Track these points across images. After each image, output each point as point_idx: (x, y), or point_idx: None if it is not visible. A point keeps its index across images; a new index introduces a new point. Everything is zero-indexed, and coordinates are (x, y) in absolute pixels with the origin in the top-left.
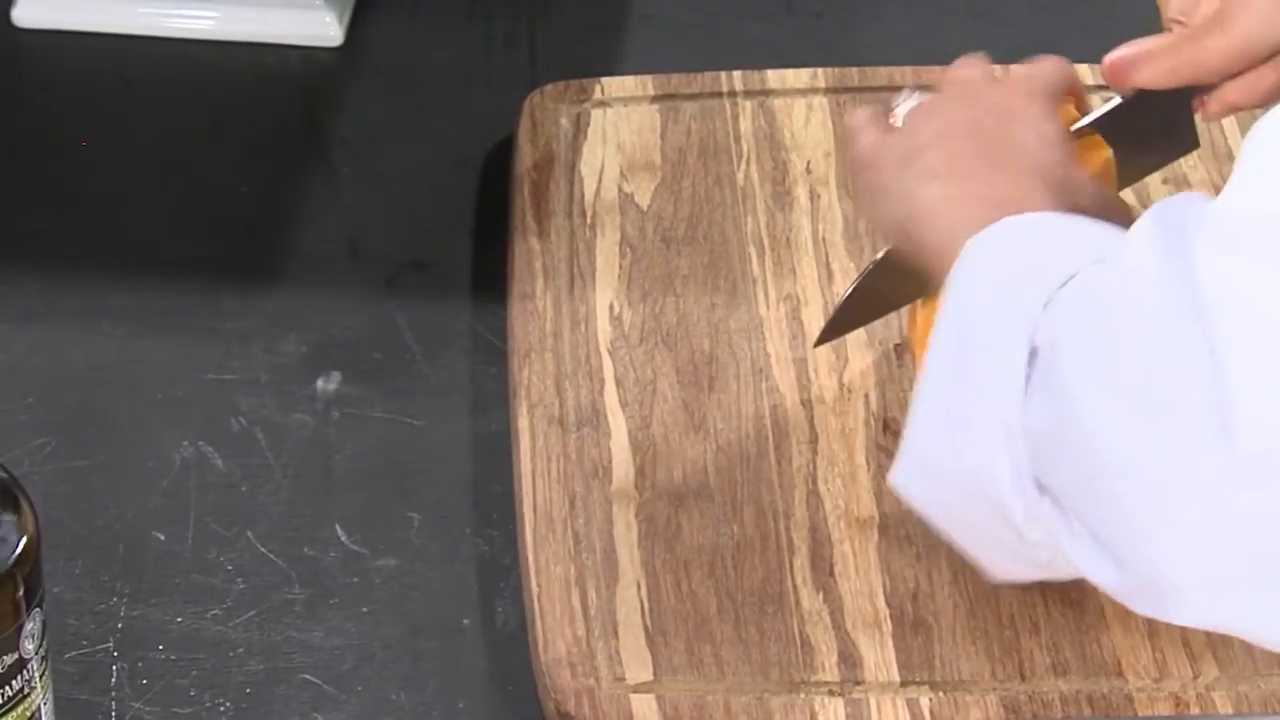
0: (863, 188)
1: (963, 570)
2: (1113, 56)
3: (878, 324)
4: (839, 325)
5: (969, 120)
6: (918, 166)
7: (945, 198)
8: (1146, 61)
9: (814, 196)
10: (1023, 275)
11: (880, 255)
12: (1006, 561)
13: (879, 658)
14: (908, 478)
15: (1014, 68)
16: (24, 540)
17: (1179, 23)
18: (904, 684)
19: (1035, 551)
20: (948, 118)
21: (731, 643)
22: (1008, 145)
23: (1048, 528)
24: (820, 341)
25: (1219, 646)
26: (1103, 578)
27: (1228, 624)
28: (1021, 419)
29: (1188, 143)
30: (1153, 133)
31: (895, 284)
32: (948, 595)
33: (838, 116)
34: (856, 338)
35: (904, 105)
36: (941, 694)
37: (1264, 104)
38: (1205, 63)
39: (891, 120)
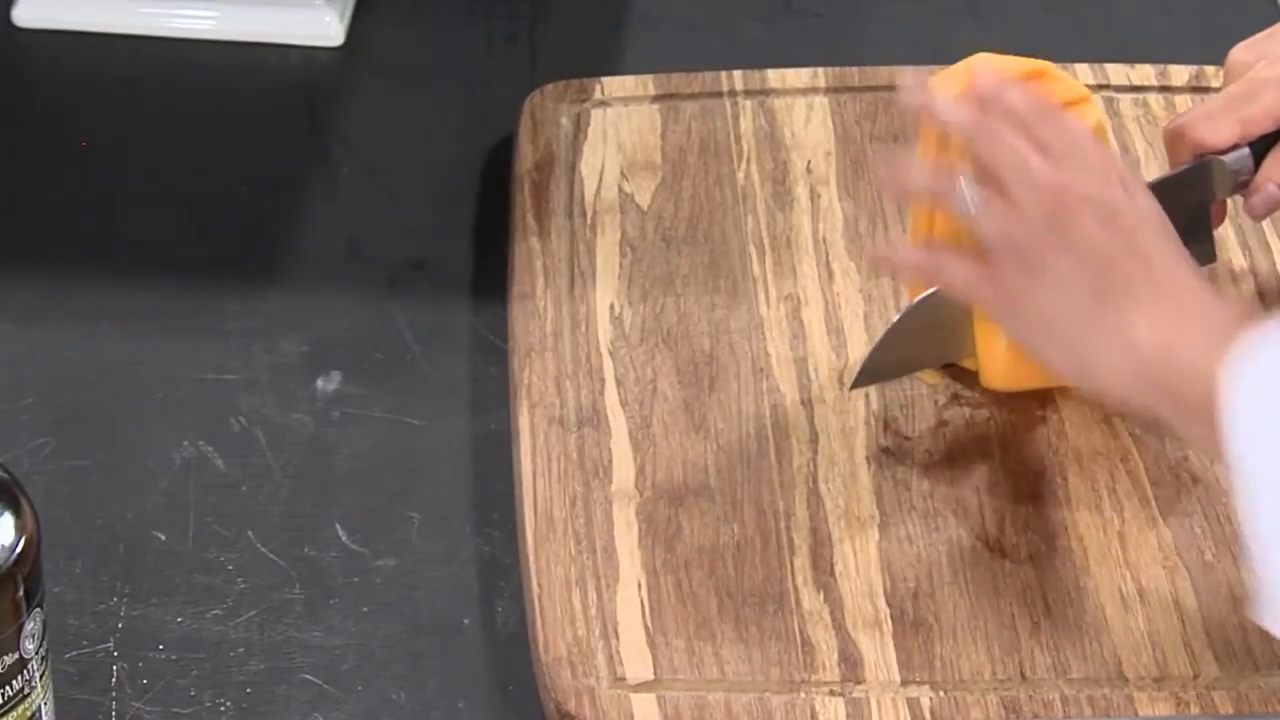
0: (1013, 323)
1: (963, 570)
2: (1173, 123)
3: (878, 324)
4: (876, 370)
5: (1085, 217)
6: (1082, 294)
7: (1154, 327)
8: (1203, 119)
9: (814, 196)
10: None
11: (920, 299)
12: None
13: (879, 657)
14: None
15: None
16: (24, 540)
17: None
18: (904, 684)
19: None
20: (1054, 220)
21: (732, 642)
22: (1139, 234)
23: None
24: (856, 385)
25: (1219, 646)
26: None
27: None
28: None
29: (1205, 255)
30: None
31: (935, 328)
32: (948, 595)
33: (838, 116)
34: (857, 338)
35: (967, 194)
36: (942, 694)
37: None
38: (1258, 116)
39: (965, 202)
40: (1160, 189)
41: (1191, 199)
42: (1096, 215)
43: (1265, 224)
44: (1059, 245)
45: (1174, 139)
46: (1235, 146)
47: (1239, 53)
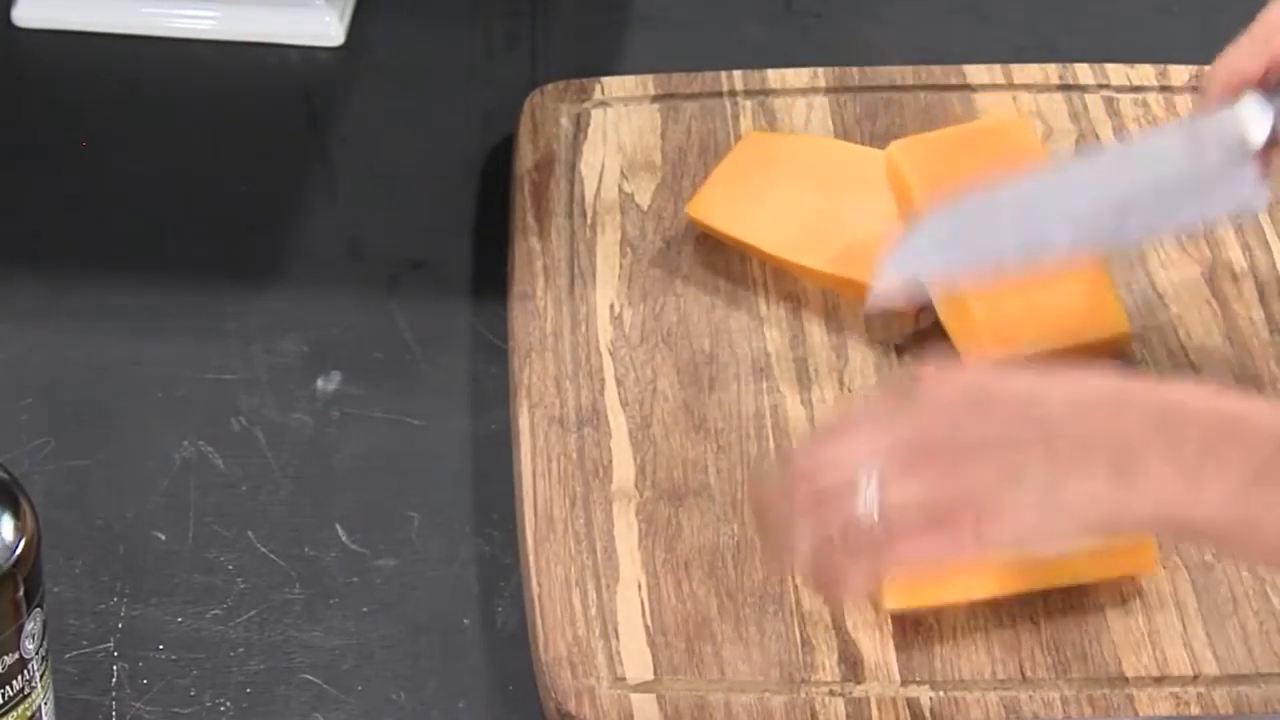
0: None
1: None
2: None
3: (877, 324)
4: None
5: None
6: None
7: (1183, 494)
8: (1232, 52)
9: None
10: None
11: None
12: None
13: (879, 657)
14: None
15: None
16: (24, 540)
17: None
18: (904, 684)
19: None
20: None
21: (732, 642)
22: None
23: None
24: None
25: (1219, 646)
26: None
27: None
28: None
29: (1254, 199)
30: None
31: None
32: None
33: (838, 116)
34: (857, 337)
35: (868, 490)
36: (942, 694)
37: None
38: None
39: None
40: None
41: (1226, 141)
42: (977, 403)
43: (1266, 224)
44: (978, 448)
45: (1207, 84)
46: (1266, 82)
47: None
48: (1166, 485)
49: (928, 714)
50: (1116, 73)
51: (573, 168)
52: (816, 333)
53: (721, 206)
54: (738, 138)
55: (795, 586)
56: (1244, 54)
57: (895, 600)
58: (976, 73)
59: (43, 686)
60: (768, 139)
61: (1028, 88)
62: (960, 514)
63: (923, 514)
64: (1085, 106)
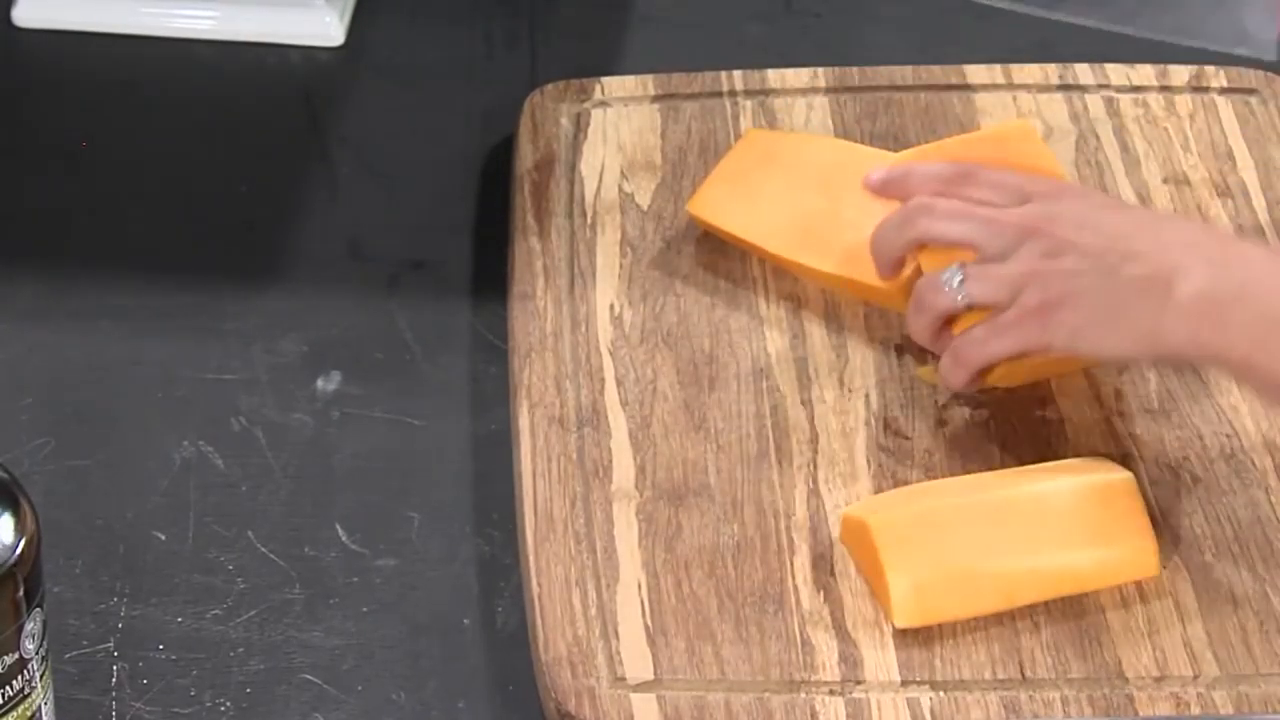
0: (1061, 333)
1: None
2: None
3: (878, 324)
4: None
5: (1079, 216)
6: (1106, 270)
7: (1213, 275)
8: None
9: None
10: None
11: None
12: None
13: (879, 657)
14: None
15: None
16: (24, 540)
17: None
18: (904, 684)
19: None
20: (1032, 236)
21: (732, 642)
22: (1117, 207)
23: None
24: None
25: (1219, 646)
26: None
27: None
28: None
29: None
30: None
31: None
32: None
33: (838, 116)
34: (857, 337)
35: (952, 275)
36: (942, 694)
37: None
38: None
39: (957, 290)
40: None
41: None
42: (1068, 210)
43: (1265, 223)
44: (1057, 248)
45: (882, 187)
46: None
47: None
48: (1197, 327)
49: (928, 714)
50: (1116, 73)
51: (573, 168)
52: (816, 333)
53: (722, 204)
54: (738, 137)
55: (795, 586)
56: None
57: (905, 619)
58: (976, 73)
59: (43, 686)
60: (768, 136)
61: (1028, 88)
62: (1040, 306)
63: (1004, 296)
64: (1085, 106)
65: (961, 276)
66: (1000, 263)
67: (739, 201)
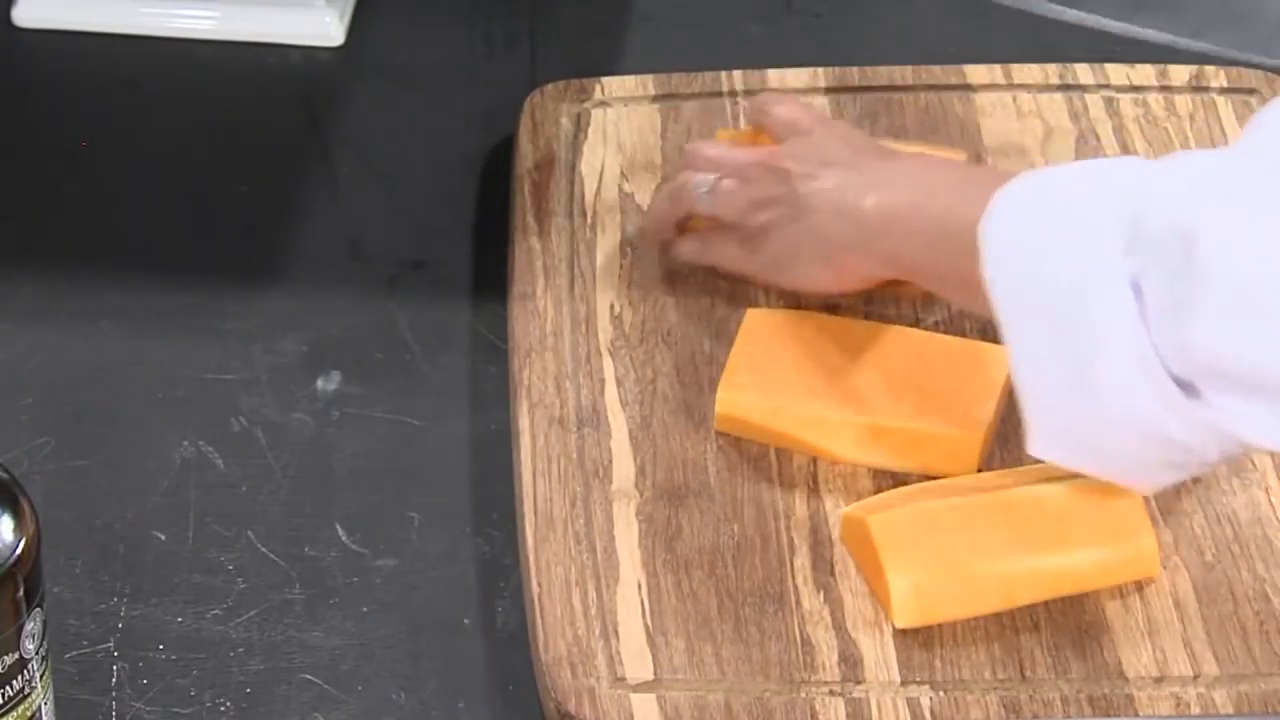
0: (765, 263)
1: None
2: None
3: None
4: None
5: (821, 147)
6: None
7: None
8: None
9: None
10: (1076, 221)
11: None
12: (1157, 475)
13: (879, 657)
14: (1048, 446)
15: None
16: (24, 540)
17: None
18: (904, 683)
19: (1196, 452)
20: (802, 158)
21: (732, 642)
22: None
23: (1211, 423)
24: None
25: (1219, 646)
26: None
27: None
28: (1151, 339)
29: None
30: None
31: None
32: None
33: (838, 116)
34: None
35: (703, 181)
36: (942, 694)
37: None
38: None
39: (695, 197)
40: None
41: None
42: (803, 155)
43: None
44: (777, 186)
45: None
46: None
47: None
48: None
49: (928, 714)
50: (1116, 73)
51: (573, 168)
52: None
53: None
54: None
55: (795, 586)
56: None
57: (905, 618)
58: (976, 73)
59: (43, 686)
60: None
61: (1028, 88)
62: (741, 236)
63: (724, 215)
64: (1085, 106)
65: (709, 189)
66: (740, 190)
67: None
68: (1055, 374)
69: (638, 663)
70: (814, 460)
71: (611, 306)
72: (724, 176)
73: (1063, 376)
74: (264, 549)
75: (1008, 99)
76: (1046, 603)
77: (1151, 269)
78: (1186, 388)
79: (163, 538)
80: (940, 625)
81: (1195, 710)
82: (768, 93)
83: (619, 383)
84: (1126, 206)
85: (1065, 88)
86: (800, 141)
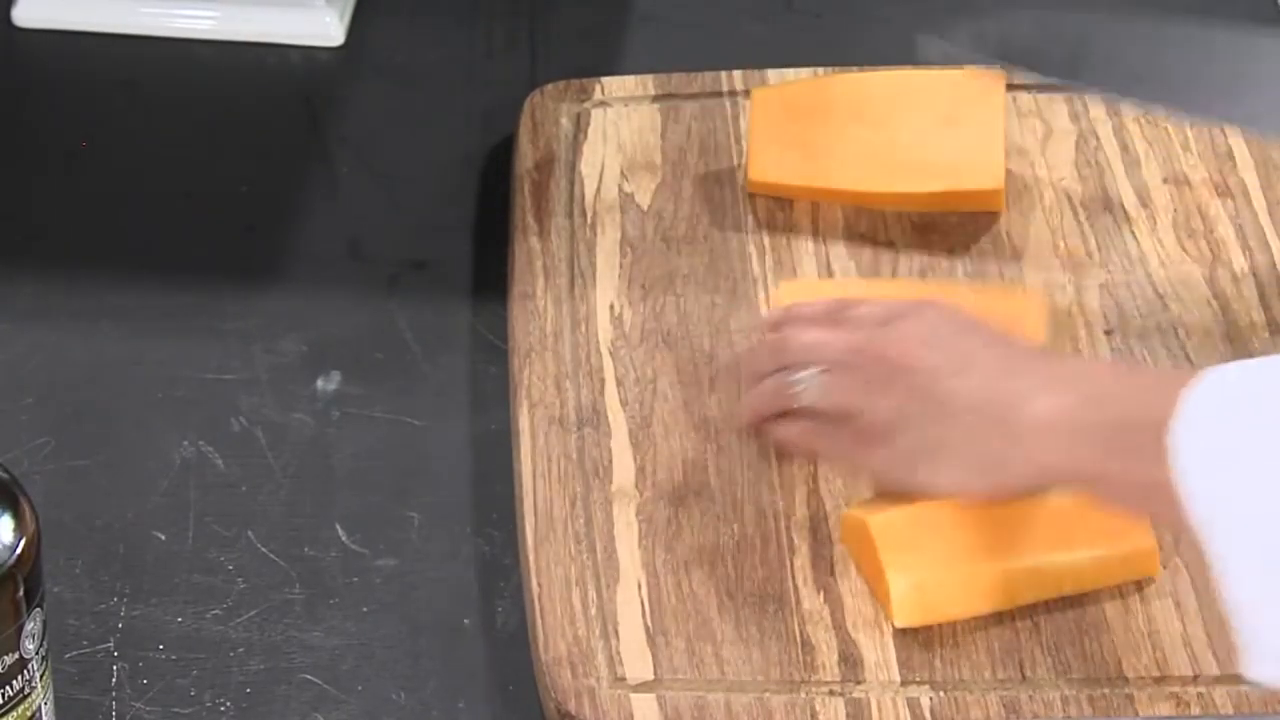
0: (882, 462)
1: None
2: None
3: None
4: None
5: (932, 341)
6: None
7: (1058, 404)
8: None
9: None
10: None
11: None
12: None
13: (879, 657)
14: (1270, 670)
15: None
16: (24, 540)
17: None
18: (904, 683)
19: None
20: (887, 364)
21: (732, 642)
22: (983, 339)
23: None
24: None
25: (1219, 646)
26: None
27: None
28: None
29: None
30: None
31: None
32: None
33: None
34: None
35: (807, 376)
36: (942, 694)
37: None
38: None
39: (798, 394)
40: None
41: None
42: (927, 338)
43: (1266, 224)
44: (907, 386)
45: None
46: None
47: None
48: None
49: (928, 714)
50: None
51: (573, 168)
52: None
53: (783, 164)
54: (738, 137)
55: (795, 586)
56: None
57: (905, 618)
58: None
59: (43, 686)
60: (778, 93)
61: (1028, 88)
62: (858, 428)
63: (834, 409)
64: (1085, 106)
65: (810, 385)
66: (848, 381)
67: (797, 157)
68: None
69: (638, 663)
70: (814, 460)
71: (611, 306)
72: (826, 369)
73: None
74: (264, 549)
75: (1008, 99)
76: (1046, 603)
77: None
78: None
79: (163, 538)
80: (940, 625)
81: (1195, 710)
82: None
83: (619, 383)
84: None
85: (1065, 88)
86: (898, 325)
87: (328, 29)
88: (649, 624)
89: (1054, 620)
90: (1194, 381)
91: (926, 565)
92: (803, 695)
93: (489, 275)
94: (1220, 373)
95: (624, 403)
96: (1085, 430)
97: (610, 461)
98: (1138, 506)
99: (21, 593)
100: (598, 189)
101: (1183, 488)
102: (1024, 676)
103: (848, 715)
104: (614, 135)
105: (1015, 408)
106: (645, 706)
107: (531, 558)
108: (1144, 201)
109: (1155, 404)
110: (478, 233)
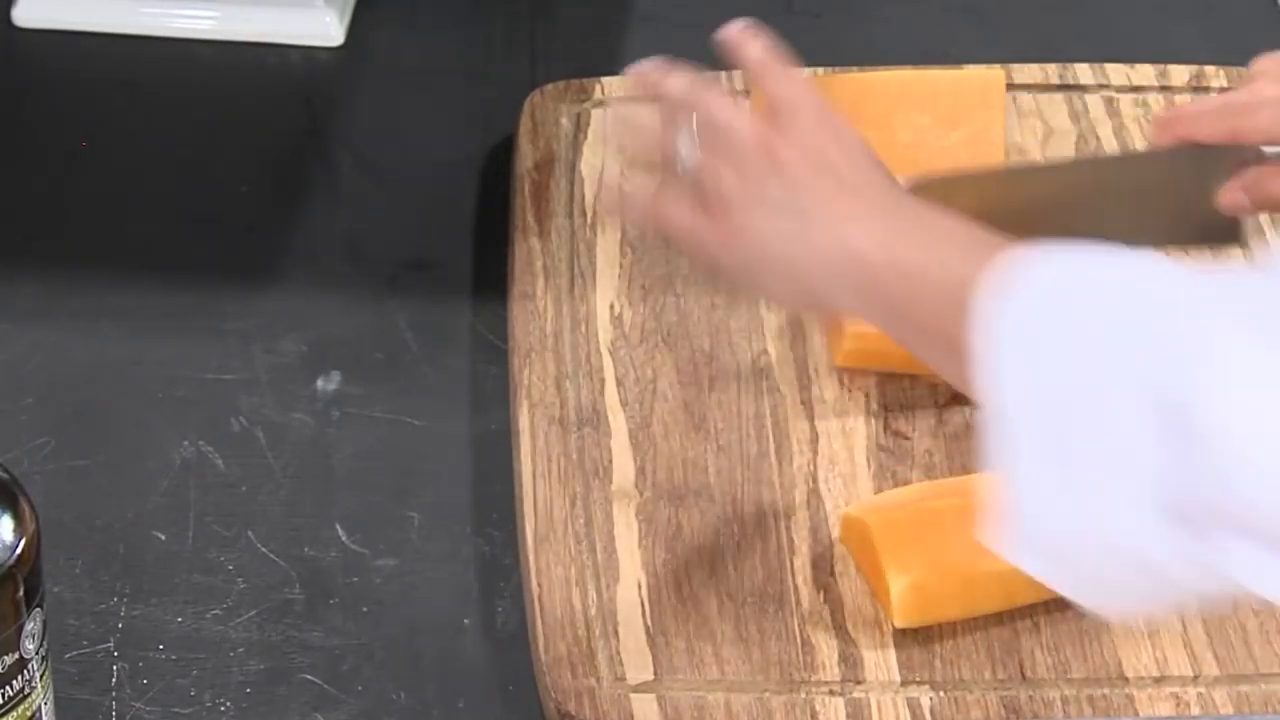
0: (731, 259)
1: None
2: (1166, 113)
3: None
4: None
5: (807, 151)
6: (794, 212)
7: (879, 239)
8: (1195, 117)
9: None
10: (1111, 330)
11: None
12: (1129, 604)
13: (879, 657)
14: (1025, 551)
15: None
16: (24, 540)
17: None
18: (904, 683)
19: (1180, 590)
20: (758, 158)
21: (732, 642)
22: (849, 163)
23: (1211, 565)
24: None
25: (1219, 646)
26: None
27: None
28: (1165, 469)
29: (1226, 234)
30: (1175, 202)
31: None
32: None
33: None
34: None
35: (683, 140)
36: (942, 694)
37: None
38: (1248, 130)
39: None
40: (1142, 162)
41: (1184, 181)
42: (801, 149)
43: (1265, 224)
44: (764, 176)
45: (1161, 128)
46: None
47: (1264, 62)
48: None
49: (928, 714)
50: (1116, 72)
51: (573, 168)
52: (816, 333)
53: None
54: None
55: (795, 586)
56: (1204, 126)
57: (905, 618)
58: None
59: (43, 686)
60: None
61: (1028, 88)
62: (703, 195)
63: (705, 183)
64: (1085, 106)
65: (689, 155)
66: (720, 158)
67: None
68: (1052, 481)
69: (638, 663)
70: (814, 460)
71: (611, 306)
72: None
73: (1060, 486)
74: (264, 549)
75: (1008, 99)
76: (1046, 602)
77: (1175, 395)
78: (1192, 523)
79: (163, 538)
80: (940, 625)
81: (1195, 710)
82: (775, 61)
83: (619, 383)
84: (1153, 321)
85: (1065, 88)
86: (806, 133)
87: (328, 29)
88: (649, 624)
89: (1054, 620)
90: (1017, 251)
91: (926, 565)
92: (802, 695)
93: (489, 275)
94: (1043, 249)
95: (624, 403)
96: (902, 252)
97: (610, 461)
98: (928, 351)
99: (21, 593)
100: (598, 189)
101: (981, 360)
102: (1024, 676)
103: (847, 715)
104: (614, 135)
105: (842, 220)
106: (645, 706)
107: (531, 558)
108: None
109: (973, 259)
110: (478, 233)
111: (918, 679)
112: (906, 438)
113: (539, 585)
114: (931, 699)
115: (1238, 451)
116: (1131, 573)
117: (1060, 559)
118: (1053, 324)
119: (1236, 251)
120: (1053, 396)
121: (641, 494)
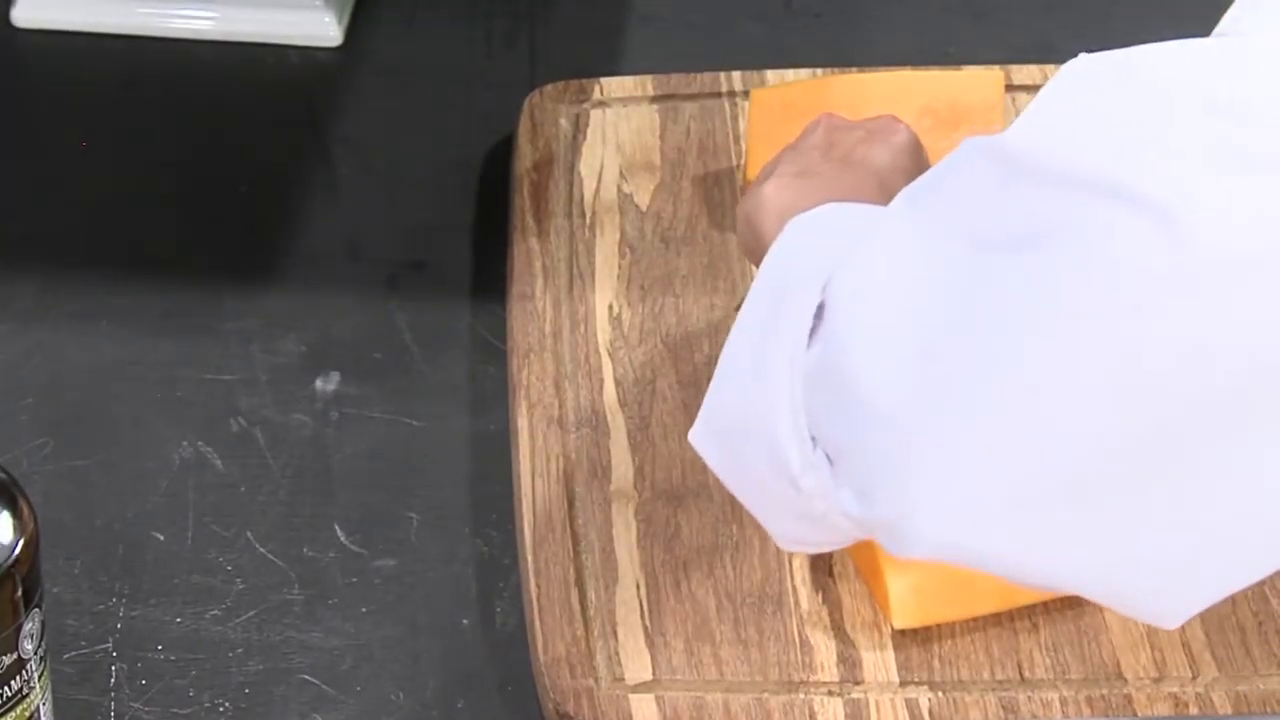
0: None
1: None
2: None
3: None
4: None
5: (825, 138)
6: (771, 176)
7: (780, 188)
8: None
9: None
10: (827, 242)
11: None
12: (790, 523)
13: (878, 658)
14: (704, 434)
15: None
16: (23, 540)
17: None
18: (903, 684)
19: (811, 503)
20: (806, 140)
21: (731, 643)
22: (857, 155)
23: (820, 475)
24: None
25: (1218, 647)
26: (854, 511)
27: (972, 552)
28: (801, 365)
29: None
30: None
31: None
32: None
33: None
34: None
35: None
36: (941, 694)
37: None
38: None
39: None
40: None
41: None
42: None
43: None
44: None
45: None
46: None
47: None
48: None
49: (927, 714)
50: None
51: (572, 168)
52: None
53: None
54: (737, 138)
55: (794, 587)
56: None
57: (903, 619)
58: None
59: (41, 687)
60: (778, 93)
61: (1028, 88)
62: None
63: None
64: None
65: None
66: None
67: None
68: (739, 366)
69: (636, 663)
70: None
71: (610, 307)
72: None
73: (742, 370)
74: (263, 549)
75: (1007, 99)
76: (1045, 603)
77: (832, 291)
78: (813, 416)
79: (162, 538)
80: (939, 626)
81: (1194, 710)
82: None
83: (618, 383)
84: (857, 229)
85: None
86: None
87: (327, 29)
88: (648, 624)
89: (1053, 621)
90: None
91: (925, 566)
92: (801, 696)
93: (488, 275)
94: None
95: (623, 403)
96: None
97: (609, 462)
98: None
99: (20, 593)
100: (597, 189)
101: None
102: (1022, 677)
103: (846, 716)
104: (613, 135)
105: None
106: (644, 707)
107: (530, 558)
108: None
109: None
110: (477, 233)
111: (916, 680)
112: None
113: (537, 585)
114: (930, 700)
115: (843, 310)
116: (779, 481)
117: (728, 448)
118: (796, 242)
119: None
120: (768, 296)
121: (640, 494)
